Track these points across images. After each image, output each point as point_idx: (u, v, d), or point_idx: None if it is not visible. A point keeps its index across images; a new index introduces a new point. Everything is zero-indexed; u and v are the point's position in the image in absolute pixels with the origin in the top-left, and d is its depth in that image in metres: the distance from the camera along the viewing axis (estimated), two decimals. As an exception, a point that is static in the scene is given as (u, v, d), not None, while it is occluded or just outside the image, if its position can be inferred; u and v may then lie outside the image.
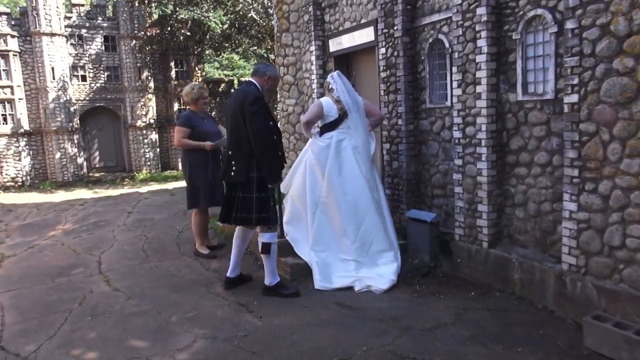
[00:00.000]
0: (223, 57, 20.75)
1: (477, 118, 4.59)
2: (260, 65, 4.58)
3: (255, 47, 15.75)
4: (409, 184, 5.65)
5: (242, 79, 20.70)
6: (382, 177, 6.19)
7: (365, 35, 6.27)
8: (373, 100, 6.33)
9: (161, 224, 7.59)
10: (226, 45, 14.97)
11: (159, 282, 5.02)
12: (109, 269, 5.50)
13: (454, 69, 4.80)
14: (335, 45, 6.91)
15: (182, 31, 13.78)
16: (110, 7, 17.43)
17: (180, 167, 6.32)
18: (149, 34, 13.84)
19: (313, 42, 7.19)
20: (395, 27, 5.49)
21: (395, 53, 5.54)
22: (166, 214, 8.35)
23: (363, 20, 6.31)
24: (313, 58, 7.23)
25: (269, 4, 14.76)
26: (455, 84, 4.81)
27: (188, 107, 5.72)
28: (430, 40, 5.26)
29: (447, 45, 5.06)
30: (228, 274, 4.74)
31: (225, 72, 31.46)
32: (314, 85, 7.26)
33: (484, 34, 4.43)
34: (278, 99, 8.17)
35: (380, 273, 4.82)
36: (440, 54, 5.26)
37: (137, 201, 10.08)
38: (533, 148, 4.32)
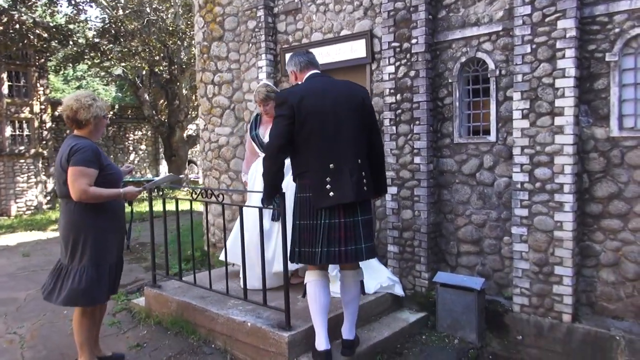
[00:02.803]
0: (71, 72, 16.85)
1: (557, 157, 3.62)
2: (311, 55, 3.38)
3: (125, 64, 12.90)
4: (429, 238, 4.42)
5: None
6: (383, 229, 4.87)
7: (349, 50, 4.98)
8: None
9: (35, 309, 5.01)
10: (88, 57, 11.83)
11: None
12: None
13: (517, 95, 3.79)
14: (297, 61, 5.44)
15: (36, 31, 10.34)
16: None
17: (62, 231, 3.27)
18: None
19: (263, 56, 5.61)
20: (413, 41, 4.31)
21: (412, 73, 4.35)
22: (33, 289, 5.68)
23: (345, 32, 5.02)
24: (262, 76, 5.64)
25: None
26: (517, 114, 3.80)
27: (78, 132, 3.25)
28: (463, 59, 4.21)
29: (492, 65, 4.06)
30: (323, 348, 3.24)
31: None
32: (264, 111, 5.63)
33: (569, 52, 3.53)
34: (203, 127, 6.27)
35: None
36: (476, 77, 4.24)
37: (-32, 268, 6.89)
38: (633, 196, 3.49)
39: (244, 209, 4.38)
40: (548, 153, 3.66)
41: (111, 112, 16.53)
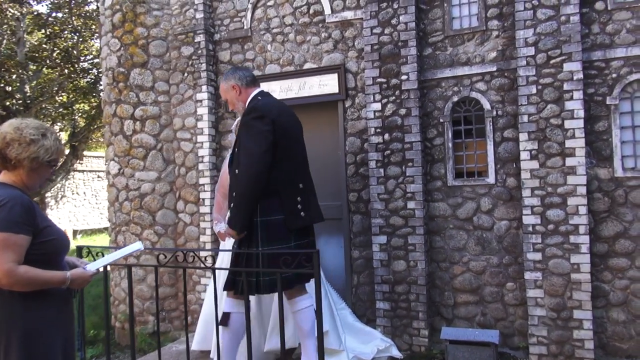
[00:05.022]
0: None
1: (570, 198, 3.59)
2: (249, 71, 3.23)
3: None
4: (426, 290, 4.03)
5: None
6: (364, 284, 4.33)
7: (317, 85, 4.48)
8: (334, 174, 4.51)
9: None
10: None
11: None
12: None
13: (523, 136, 3.71)
14: (247, 95, 4.74)
15: None
16: None
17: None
18: None
19: (204, 87, 4.77)
20: (404, 77, 4.02)
21: (403, 111, 4.03)
22: None
23: (310, 65, 4.53)
24: (203, 111, 4.78)
25: None
26: (525, 155, 3.71)
27: (3, 177, 2.08)
28: (455, 98, 4.04)
29: (487, 106, 3.95)
30: None
31: None
32: (205, 151, 4.75)
33: (576, 94, 3.58)
34: (117, 171, 5.03)
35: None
36: (467, 117, 4.09)
37: None
38: (639, 234, 3.60)
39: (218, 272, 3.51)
40: (560, 194, 3.61)
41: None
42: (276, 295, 3.23)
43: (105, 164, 5.21)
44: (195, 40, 4.81)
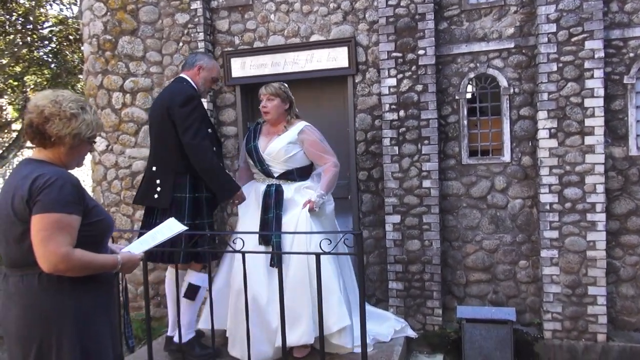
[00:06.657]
0: None
1: (587, 177, 3.62)
2: (189, 55, 3.46)
3: None
4: (440, 270, 4.00)
5: None
6: (374, 264, 4.25)
7: (325, 59, 4.28)
8: (342, 152, 4.36)
9: None
10: None
11: None
12: None
13: (542, 114, 3.69)
14: (248, 68, 4.49)
15: None
16: None
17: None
18: None
19: (201, 58, 4.46)
20: (420, 52, 3.89)
21: (420, 87, 3.92)
22: None
23: (317, 37, 4.32)
24: (200, 84, 4.48)
25: None
26: (543, 133, 3.69)
27: (41, 154, 1.86)
28: (472, 75, 3.97)
29: (504, 83, 3.90)
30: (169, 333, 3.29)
31: None
32: (202, 127, 4.47)
33: (597, 73, 3.58)
34: (105, 147, 4.67)
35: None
36: (483, 94, 4.03)
37: None
38: (650, 211, 3.69)
39: (231, 257, 3.31)
40: (578, 173, 3.64)
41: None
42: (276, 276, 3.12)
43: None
44: (192, 7, 4.46)
